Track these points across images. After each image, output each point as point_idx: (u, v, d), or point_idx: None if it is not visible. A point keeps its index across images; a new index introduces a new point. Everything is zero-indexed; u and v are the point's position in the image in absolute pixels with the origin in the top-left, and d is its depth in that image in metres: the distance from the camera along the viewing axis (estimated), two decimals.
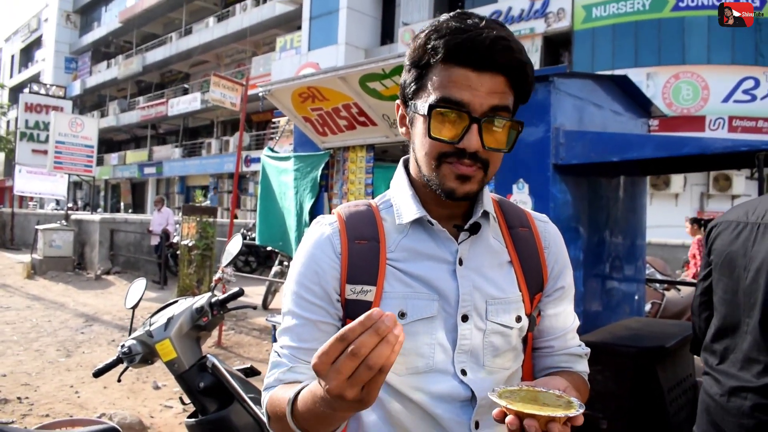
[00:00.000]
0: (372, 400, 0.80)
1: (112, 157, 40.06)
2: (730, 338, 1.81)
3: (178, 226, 11.77)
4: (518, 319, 1.18)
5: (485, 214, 1.18)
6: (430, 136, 1.05)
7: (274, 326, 5.48)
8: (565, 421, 0.88)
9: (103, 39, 42.89)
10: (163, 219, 12.86)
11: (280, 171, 5.04)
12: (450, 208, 1.17)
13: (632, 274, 4.65)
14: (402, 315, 1.11)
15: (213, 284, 3.08)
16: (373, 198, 1.31)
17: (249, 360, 6.60)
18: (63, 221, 14.11)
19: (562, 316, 1.28)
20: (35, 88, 21.39)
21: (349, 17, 22.95)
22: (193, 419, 2.60)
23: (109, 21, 41.91)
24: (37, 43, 51.76)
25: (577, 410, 0.89)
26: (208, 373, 2.59)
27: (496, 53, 1.01)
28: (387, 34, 23.88)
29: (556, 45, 19.21)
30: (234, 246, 2.87)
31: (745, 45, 16.18)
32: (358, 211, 1.20)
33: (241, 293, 2.67)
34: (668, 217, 16.24)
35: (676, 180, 16.70)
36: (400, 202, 1.19)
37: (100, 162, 38.94)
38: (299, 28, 25.52)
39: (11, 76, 54.99)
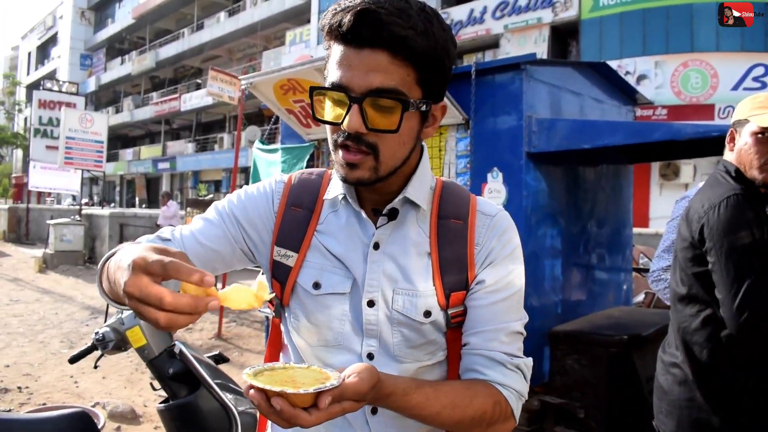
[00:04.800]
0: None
1: (127, 153, 40.49)
2: None
3: (182, 219, 11.91)
4: (427, 313, 1.11)
5: (409, 201, 1.13)
6: (314, 117, 1.04)
7: (267, 317, 5.55)
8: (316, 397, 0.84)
9: (117, 35, 43.28)
10: (170, 212, 13.00)
11: (269, 163, 5.09)
12: (378, 193, 1.12)
13: (618, 263, 4.63)
14: (317, 285, 1.13)
15: None
16: None
17: (248, 352, 6.67)
18: (76, 216, 14.30)
19: (486, 311, 1.13)
20: (48, 84, 21.73)
21: None
22: (163, 404, 2.67)
23: (122, 17, 42.28)
24: (52, 40, 52.31)
25: (317, 388, 0.82)
26: (176, 359, 2.65)
27: (364, 27, 0.94)
28: None
29: (564, 35, 19.03)
30: None
31: (755, 31, 15.93)
32: (308, 179, 1.22)
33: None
34: None
35: (686, 170, 16.53)
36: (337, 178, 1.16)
37: (115, 158, 39.39)
38: (309, 21, 25.59)
39: (28, 74, 55.61)
